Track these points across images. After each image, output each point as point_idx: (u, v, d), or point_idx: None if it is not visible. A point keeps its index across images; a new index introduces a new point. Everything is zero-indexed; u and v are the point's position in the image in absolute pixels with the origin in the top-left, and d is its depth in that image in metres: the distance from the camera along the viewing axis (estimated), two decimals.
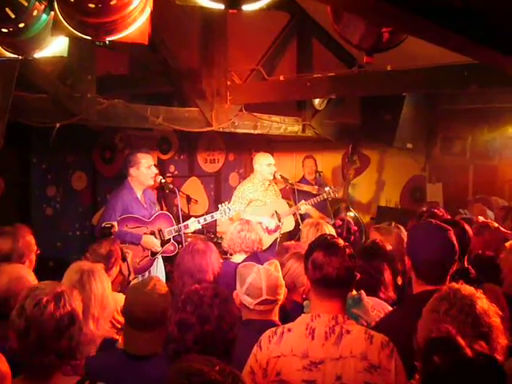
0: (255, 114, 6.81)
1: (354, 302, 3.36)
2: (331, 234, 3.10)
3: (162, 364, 2.72)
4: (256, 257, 3.44)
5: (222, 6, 2.23)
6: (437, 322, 2.19)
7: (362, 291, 3.39)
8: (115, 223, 5.43)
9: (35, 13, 2.67)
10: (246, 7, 2.25)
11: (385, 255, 3.92)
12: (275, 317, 3.25)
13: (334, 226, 5.32)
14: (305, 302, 3.52)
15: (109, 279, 3.56)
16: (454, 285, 2.35)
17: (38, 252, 4.20)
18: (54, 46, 3.05)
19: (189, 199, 7.12)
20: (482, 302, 2.20)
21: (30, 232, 4.17)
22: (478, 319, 2.15)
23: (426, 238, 3.00)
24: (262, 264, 3.25)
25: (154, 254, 5.97)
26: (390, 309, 3.48)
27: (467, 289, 2.28)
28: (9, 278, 3.15)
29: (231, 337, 2.46)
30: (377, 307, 3.42)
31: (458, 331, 2.12)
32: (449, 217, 4.65)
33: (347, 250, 2.72)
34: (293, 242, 4.80)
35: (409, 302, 3.12)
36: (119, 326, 3.47)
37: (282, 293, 3.26)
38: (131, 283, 4.78)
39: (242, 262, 3.62)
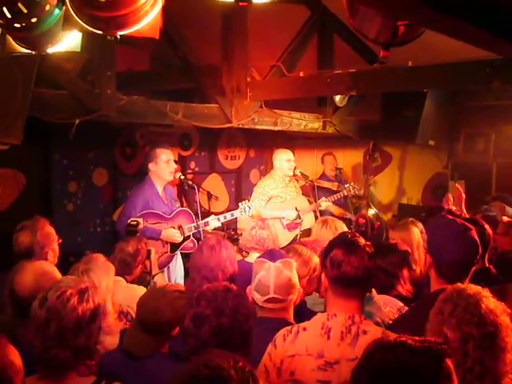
0: (275, 110, 6.78)
1: (365, 300, 3.33)
2: (352, 232, 3.05)
3: (161, 362, 2.72)
4: (271, 253, 3.38)
5: None
6: (442, 324, 2.15)
7: (373, 289, 3.35)
8: (141, 220, 5.45)
9: (48, 7, 2.68)
10: (257, 0, 2.22)
11: (400, 252, 3.89)
12: (288, 315, 3.19)
13: (357, 224, 5.29)
14: None
15: (107, 275, 3.56)
16: (460, 285, 2.31)
17: (60, 241, 4.25)
18: (68, 41, 3.05)
19: (209, 196, 7.12)
20: (488, 301, 2.15)
21: (49, 223, 4.22)
22: (484, 318, 2.09)
23: (450, 237, 2.94)
24: (274, 261, 3.21)
25: (173, 250, 5.98)
26: (401, 305, 3.44)
27: (473, 288, 2.23)
28: (34, 274, 3.14)
29: (247, 328, 2.45)
30: (388, 304, 3.40)
31: (463, 332, 2.09)
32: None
33: (367, 249, 2.68)
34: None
35: (426, 300, 3.08)
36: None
37: (295, 293, 3.18)
38: (155, 282, 4.82)
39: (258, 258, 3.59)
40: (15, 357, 2.04)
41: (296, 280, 3.22)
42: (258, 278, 3.16)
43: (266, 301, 3.11)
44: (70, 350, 2.35)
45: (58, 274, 3.26)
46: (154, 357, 2.80)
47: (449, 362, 1.66)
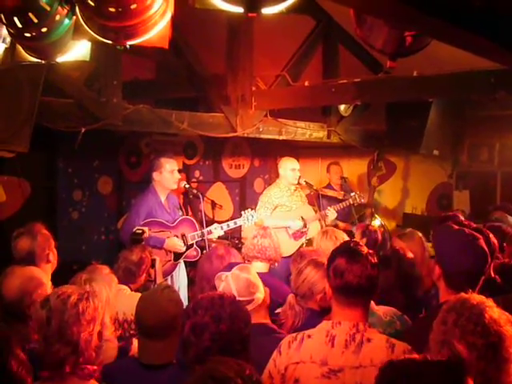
0: (280, 119, 6.80)
1: None
2: (355, 241, 3.06)
3: (176, 373, 2.71)
4: (228, 266, 3.50)
5: (241, 10, 2.22)
6: (445, 334, 2.14)
7: (371, 301, 3.34)
8: (146, 229, 5.45)
9: (58, 17, 2.70)
10: (266, 11, 2.23)
11: (393, 265, 3.84)
12: (264, 319, 3.30)
13: (369, 231, 5.29)
14: None
15: (109, 287, 3.58)
16: (463, 295, 2.29)
17: (55, 243, 4.29)
18: (77, 51, 3.07)
19: (214, 205, 7.15)
20: (492, 311, 2.13)
21: (45, 227, 4.26)
22: (488, 328, 2.07)
23: (460, 247, 2.92)
24: (231, 270, 3.34)
25: (176, 258, 5.98)
26: (400, 313, 3.44)
27: (477, 298, 2.21)
28: (21, 278, 3.19)
29: (246, 333, 2.46)
30: (388, 314, 3.39)
31: (467, 342, 2.07)
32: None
33: (370, 257, 2.68)
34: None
35: (436, 311, 3.07)
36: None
37: (258, 291, 3.30)
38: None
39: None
40: (25, 358, 2.07)
41: (256, 279, 3.34)
42: (221, 290, 3.25)
43: None
44: (71, 346, 2.37)
45: (46, 280, 3.30)
46: (168, 368, 2.79)
47: (469, 382, 1.66)
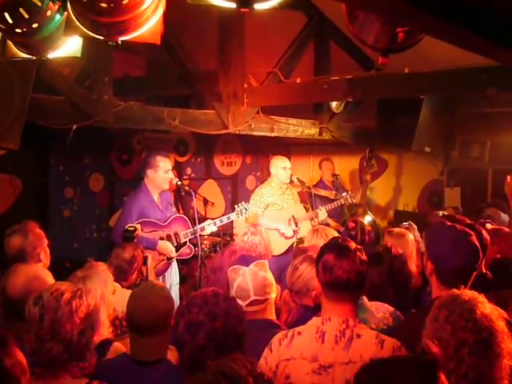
0: (272, 116, 6.80)
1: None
2: (343, 237, 3.08)
3: (169, 369, 2.71)
4: (244, 259, 3.49)
5: (233, 5, 2.21)
6: (436, 331, 2.15)
7: (364, 296, 3.35)
8: (138, 226, 5.41)
9: (49, 13, 2.68)
10: (258, 6, 2.23)
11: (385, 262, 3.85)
12: (271, 315, 3.30)
13: (347, 228, 5.28)
14: None
15: (105, 284, 3.57)
16: (455, 291, 2.30)
17: (48, 242, 4.28)
18: (68, 47, 3.06)
19: (206, 202, 7.13)
20: (484, 306, 2.14)
21: (38, 225, 4.25)
22: (479, 324, 2.08)
23: (452, 244, 2.93)
24: (248, 266, 3.30)
25: (169, 257, 5.96)
26: (393, 309, 3.44)
27: (468, 294, 2.23)
28: (25, 277, 3.19)
29: (241, 330, 2.47)
30: (381, 309, 3.40)
31: (458, 338, 2.08)
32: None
33: (358, 253, 2.70)
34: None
35: (428, 307, 3.08)
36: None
37: (273, 291, 3.30)
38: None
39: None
40: (22, 357, 2.06)
41: (272, 279, 3.33)
42: (237, 284, 3.25)
43: (249, 304, 3.18)
44: (63, 344, 2.37)
45: (50, 279, 3.29)
46: (162, 363, 2.78)
47: (442, 377, 1.67)
